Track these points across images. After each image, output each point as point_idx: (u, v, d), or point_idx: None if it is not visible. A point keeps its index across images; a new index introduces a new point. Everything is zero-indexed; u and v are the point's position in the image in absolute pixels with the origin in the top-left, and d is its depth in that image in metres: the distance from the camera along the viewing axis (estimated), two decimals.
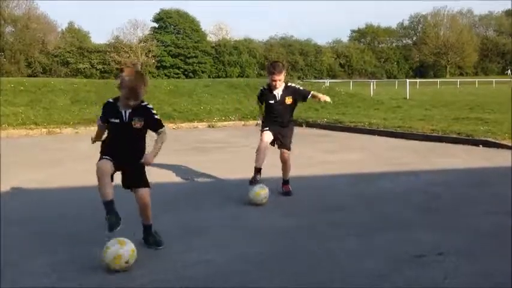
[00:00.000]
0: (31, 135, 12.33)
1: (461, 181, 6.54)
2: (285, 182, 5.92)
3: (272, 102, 5.76)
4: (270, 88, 5.75)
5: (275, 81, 5.64)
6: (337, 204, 5.42)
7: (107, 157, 3.81)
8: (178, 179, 6.79)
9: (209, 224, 4.68)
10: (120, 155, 3.83)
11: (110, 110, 3.90)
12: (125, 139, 3.88)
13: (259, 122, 6.19)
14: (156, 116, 3.94)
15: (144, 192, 3.90)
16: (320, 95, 5.76)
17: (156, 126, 3.96)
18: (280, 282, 3.28)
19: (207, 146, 10.24)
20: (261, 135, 5.86)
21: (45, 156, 8.80)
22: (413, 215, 4.91)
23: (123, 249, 3.46)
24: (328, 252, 3.88)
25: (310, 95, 5.79)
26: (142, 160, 3.87)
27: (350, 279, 3.33)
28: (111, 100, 3.94)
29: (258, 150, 5.76)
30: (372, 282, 3.27)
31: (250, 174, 7.05)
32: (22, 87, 16.08)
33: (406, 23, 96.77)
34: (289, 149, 5.85)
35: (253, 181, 5.66)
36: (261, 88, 6.00)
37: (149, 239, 3.98)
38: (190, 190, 6.23)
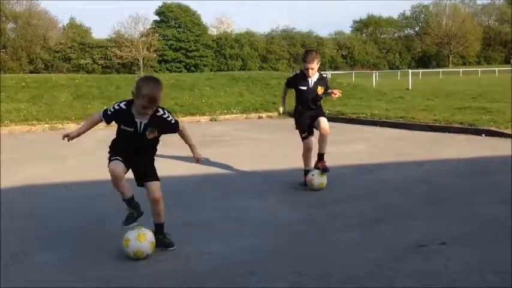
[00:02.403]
0: (33, 131, 12.37)
1: (463, 171, 6.53)
2: (321, 156, 5.77)
3: (304, 88, 5.78)
4: (304, 74, 5.77)
5: (307, 69, 5.68)
6: (340, 195, 5.43)
7: (118, 158, 3.65)
8: (180, 173, 6.80)
9: (212, 217, 4.69)
10: (132, 157, 3.72)
11: (123, 117, 3.66)
12: (138, 147, 3.74)
13: (281, 109, 6.22)
14: (172, 121, 3.77)
15: (154, 186, 3.79)
16: (335, 91, 5.84)
17: (175, 129, 3.83)
18: (282, 274, 3.29)
19: (210, 140, 10.24)
20: (304, 141, 5.86)
21: (47, 152, 8.82)
22: (415, 205, 4.91)
23: (142, 243, 3.57)
24: (330, 243, 3.89)
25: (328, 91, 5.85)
26: (195, 160, 3.90)
27: (351, 269, 3.33)
28: (124, 107, 3.66)
29: (304, 155, 5.86)
30: (373, 272, 3.27)
31: (253, 166, 7.08)
32: (24, 83, 16.10)
33: (408, 13, 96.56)
34: (325, 117, 5.81)
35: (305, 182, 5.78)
36: (294, 74, 6.04)
37: (160, 239, 3.84)
38: (193, 183, 6.24)
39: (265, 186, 5.98)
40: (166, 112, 3.74)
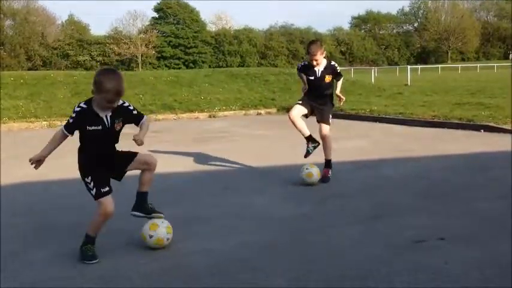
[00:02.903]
0: (32, 128, 12.35)
1: (462, 166, 6.53)
2: (327, 164, 5.89)
3: (312, 78, 5.84)
4: (311, 64, 5.79)
5: (312, 60, 5.73)
6: (339, 191, 5.42)
7: (106, 189, 3.54)
8: (180, 169, 6.80)
9: (211, 213, 4.69)
10: (108, 163, 3.62)
11: (86, 117, 3.47)
12: (108, 145, 3.63)
13: (305, 87, 6.18)
14: (134, 112, 3.66)
15: (143, 155, 3.74)
16: (341, 97, 6.02)
17: (138, 119, 3.69)
18: (281, 270, 3.29)
19: (208, 136, 10.23)
20: (291, 109, 5.97)
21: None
22: (415, 201, 4.91)
23: (157, 232, 3.68)
24: (329, 239, 3.89)
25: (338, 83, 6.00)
26: (136, 139, 3.54)
27: (351, 265, 3.33)
28: (84, 105, 3.49)
29: (291, 121, 5.90)
30: (372, 267, 3.27)
31: (252, 163, 7.08)
32: (22, 80, 16.07)
33: (406, 8, 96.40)
34: (328, 123, 5.89)
35: (307, 154, 5.93)
36: (301, 64, 6.07)
37: (150, 208, 3.83)
38: (193, 180, 6.24)
39: (264, 182, 5.97)
40: (127, 102, 3.66)
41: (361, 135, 9.61)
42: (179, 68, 63.42)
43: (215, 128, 11.77)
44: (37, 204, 5.19)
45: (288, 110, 14.63)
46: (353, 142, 8.81)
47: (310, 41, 6.06)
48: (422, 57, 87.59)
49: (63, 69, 55.63)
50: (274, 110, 15.19)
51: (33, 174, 6.65)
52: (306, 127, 5.92)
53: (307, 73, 5.88)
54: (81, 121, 3.48)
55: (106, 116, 3.50)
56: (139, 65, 70.98)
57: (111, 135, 3.59)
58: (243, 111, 15.06)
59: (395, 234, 3.92)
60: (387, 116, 11.76)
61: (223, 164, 7.14)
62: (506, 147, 7.63)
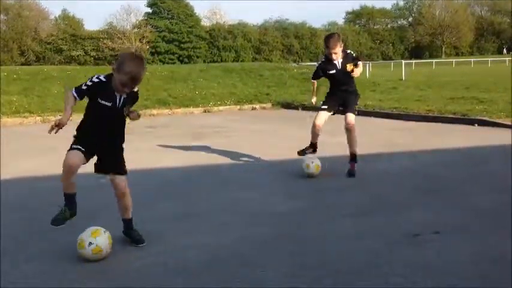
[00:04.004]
0: (25, 123, 12.29)
1: (457, 160, 6.55)
2: (352, 158, 5.86)
3: (334, 71, 5.77)
4: (329, 58, 5.75)
5: (331, 54, 5.69)
6: (334, 185, 5.43)
7: (79, 147, 3.46)
8: (175, 164, 6.79)
9: (205, 208, 4.68)
10: (101, 141, 3.54)
11: (102, 90, 3.44)
12: (111, 124, 3.55)
13: (313, 100, 6.24)
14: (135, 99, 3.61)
15: (121, 180, 3.61)
16: (356, 70, 5.74)
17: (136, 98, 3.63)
18: (276, 264, 3.29)
19: (203, 131, 10.21)
20: (317, 113, 5.95)
21: (38, 145, 8.76)
22: (410, 195, 4.92)
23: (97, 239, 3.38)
24: (324, 233, 3.89)
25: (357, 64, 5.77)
26: (130, 114, 3.50)
27: (346, 259, 3.34)
28: (103, 79, 3.46)
29: (312, 128, 5.91)
30: (367, 261, 3.28)
31: (247, 158, 7.07)
32: (15, 75, 15.97)
33: (401, 3, 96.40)
34: (353, 112, 5.87)
35: (301, 152, 5.94)
36: (319, 62, 6.00)
37: (130, 235, 3.71)
38: (187, 174, 6.23)
39: (259, 176, 5.97)
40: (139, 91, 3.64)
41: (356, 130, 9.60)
42: (174, 63, 63.22)
43: (210, 123, 11.74)
44: (29, 200, 5.16)
45: (282, 105, 14.73)
46: (345, 130, 8.78)
47: (328, 35, 5.97)
48: (417, 52, 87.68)
49: (57, 64, 55.33)
50: (269, 105, 15.16)
51: (25, 170, 6.64)
52: (318, 138, 5.97)
53: (328, 69, 5.79)
54: (94, 92, 3.46)
55: (121, 96, 3.47)
56: None
57: (118, 116, 3.51)
58: (238, 106, 15.03)
59: (390, 228, 3.93)
60: (382, 111, 11.77)
61: (218, 158, 7.12)
62: (501, 141, 7.66)
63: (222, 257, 3.46)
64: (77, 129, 3.60)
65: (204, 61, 68.90)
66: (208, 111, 14.46)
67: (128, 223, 3.73)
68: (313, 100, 6.25)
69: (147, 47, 72.45)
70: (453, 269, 3.11)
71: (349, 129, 5.84)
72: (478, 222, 4.03)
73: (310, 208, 4.62)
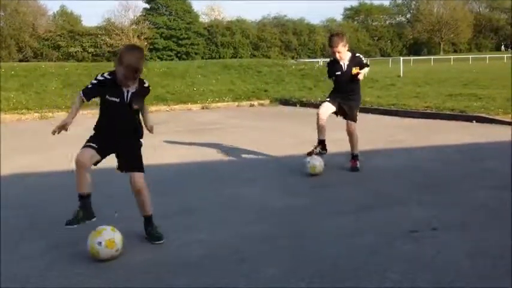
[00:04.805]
0: (23, 120, 12.26)
1: (454, 157, 6.56)
2: (353, 156, 5.93)
3: (339, 73, 5.76)
4: (336, 59, 5.72)
5: (334, 53, 5.67)
6: (332, 181, 5.43)
7: (91, 144, 3.55)
8: (173, 160, 6.78)
9: (204, 204, 4.68)
10: (116, 138, 3.60)
11: (108, 86, 3.53)
12: (122, 120, 3.59)
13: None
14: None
15: (137, 177, 3.60)
16: (361, 73, 5.72)
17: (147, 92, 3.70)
18: (274, 260, 3.29)
19: (202, 128, 10.21)
20: (319, 107, 5.94)
21: (37, 141, 8.75)
22: (408, 192, 4.92)
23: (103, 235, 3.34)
24: (322, 229, 3.89)
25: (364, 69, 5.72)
26: (151, 131, 3.62)
27: (344, 255, 3.34)
28: (108, 76, 3.56)
29: (317, 120, 5.89)
30: (365, 257, 3.28)
31: (245, 155, 7.07)
32: (13, 72, 15.93)
33: (399, 0, 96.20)
34: (355, 120, 5.91)
35: (310, 153, 5.82)
36: (328, 62, 5.97)
37: (148, 232, 3.71)
38: (185, 171, 6.22)
39: (256, 173, 5.97)
40: (150, 87, 3.70)
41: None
42: (172, 60, 63.07)
43: (208, 119, 11.73)
44: (25, 197, 5.15)
45: (281, 101, 14.72)
46: (346, 133, 8.78)
47: (331, 34, 5.96)
48: (415, 48, 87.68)
49: (55, 61, 55.15)
50: (267, 102, 15.15)
51: (24, 167, 6.63)
52: (325, 132, 5.88)
53: (335, 69, 5.77)
54: (101, 89, 3.57)
55: (128, 91, 3.53)
56: None
57: (127, 111, 3.55)
58: (236, 103, 15.01)
59: (388, 225, 3.93)
60: (380, 107, 11.77)
61: (216, 155, 7.12)
62: (499, 137, 7.67)
63: (219, 253, 3.46)
64: (94, 128, 3.72)
65: (202, 58, 68.74)
66: (207, 108, 14.44)
67: (146, 219, 3.75)
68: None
69: (145, 43, 72.21)
70: (452, 266, 3.11)
71: (349, 134, 5.94)
72: (475, 219, 4.03)
73: (309, 204, 4.62)
